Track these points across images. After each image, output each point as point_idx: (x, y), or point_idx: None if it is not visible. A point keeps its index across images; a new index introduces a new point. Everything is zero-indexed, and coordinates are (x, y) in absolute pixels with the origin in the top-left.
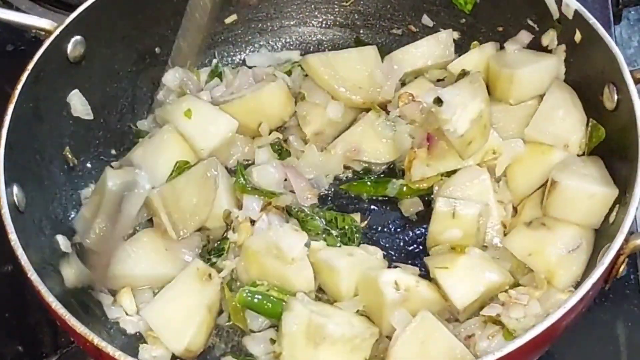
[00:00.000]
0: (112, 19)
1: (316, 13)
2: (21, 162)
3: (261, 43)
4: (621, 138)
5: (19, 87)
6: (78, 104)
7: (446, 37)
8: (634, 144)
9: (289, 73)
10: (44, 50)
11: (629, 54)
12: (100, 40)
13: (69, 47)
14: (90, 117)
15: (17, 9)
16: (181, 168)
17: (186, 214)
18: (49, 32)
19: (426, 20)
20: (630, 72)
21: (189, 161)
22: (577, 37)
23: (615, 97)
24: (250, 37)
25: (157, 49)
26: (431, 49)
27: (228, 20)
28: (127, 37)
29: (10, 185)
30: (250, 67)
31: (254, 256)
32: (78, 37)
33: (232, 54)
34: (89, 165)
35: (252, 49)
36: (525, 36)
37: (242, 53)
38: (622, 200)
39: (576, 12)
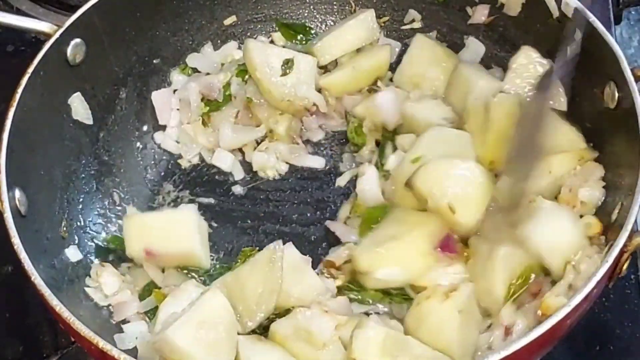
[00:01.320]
0: (112, 21)
1: (315, 14)
2: (23, 166)
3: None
4: (622, 136)
5: (20, 90)
6: (79, 107)
7: (369, 18)
8: (636, 142)
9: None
10: (44, 54)
11: (629, 54)
12: (100, 43)
13: (69, 50)
14: (90, 121)
15: (18, 10)
16: (246, 255)
17: (252, 305)
18: (48, 35)
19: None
20: (631, 70)
21: None
22: (577, 35)
23: (616, 95)
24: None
25: (156, 51)
26: (358, 31)
27: (227, 22)
28: (127, 40)
29: (12, 189)
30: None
31: (282, 341)
32: (78, 40)
33: None
34: (90, 168)
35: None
36: None
37: None
38: (624, 199)
39: (576, 10)
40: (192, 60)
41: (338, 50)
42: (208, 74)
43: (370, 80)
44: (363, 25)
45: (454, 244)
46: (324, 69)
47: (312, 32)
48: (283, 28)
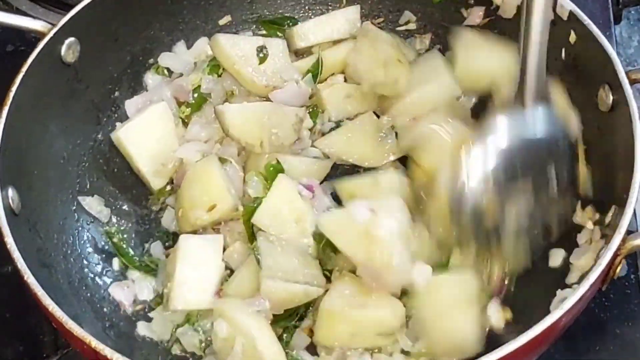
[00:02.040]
0: (106, 20)
1: (310, 14)
2: (16, 165)
3: None
4: (617, 138)
5: (14, 89)
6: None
7: (353, 12)
8: (630, 145)
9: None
10: (38, 52)
11: (629, 53)
12: (95, 42)
13: (63, 48)
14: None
15: (17, 10)
16: None
17: None
18: (42, 34)
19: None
20: (626, 72)
21: None
22: (572, 38)
23: (611, 98)
24: None
25: (151, 51)
26: (339, 22)
27: (222, 22)
28: (121, 39)
29: (6, 188)
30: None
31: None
32: (72, 39)
33: None
34: (84, 168)
35: None
36: None
37: None
38: (619, 201)
39: (571, 12)
40: (164, 59)
41: (316, 36)
42: (181, 74)
43: None
44: (345, 17)
45: None
46: (298, 54)
47: (290, 23)
48: (266, 24)
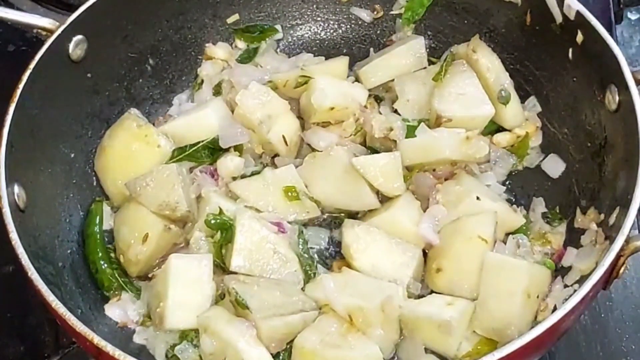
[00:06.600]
0: (114, 18)
1: (318, 13)
2: (23, 162)
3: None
4: (622, 139)
5: (21, 86)
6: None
7: (418, 46)
8: (635, 145)
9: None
10: (46, 50)
11: (630, 53)
12: (102, 40)
13: (71, 46)
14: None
15: (19, 10)
16: None
17: None
18: (50, 32)
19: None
20: (632, 73)
21: None
22: (579, 38)
23: (617, 98)
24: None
25: (159, 49)
26: (405, 58)
27: (230, 20)
28: (129, 37)
29: (12, 184)
30: None
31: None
32: (80, 37)
33: None
34: (91, 165)
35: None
36: None
37: None
38: (622, 202)
39: (578, 13)
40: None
41: (384, 75)
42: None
43: None
44: (410, 52)
45: None
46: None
47: (270, 32)
48: (240, 33)
